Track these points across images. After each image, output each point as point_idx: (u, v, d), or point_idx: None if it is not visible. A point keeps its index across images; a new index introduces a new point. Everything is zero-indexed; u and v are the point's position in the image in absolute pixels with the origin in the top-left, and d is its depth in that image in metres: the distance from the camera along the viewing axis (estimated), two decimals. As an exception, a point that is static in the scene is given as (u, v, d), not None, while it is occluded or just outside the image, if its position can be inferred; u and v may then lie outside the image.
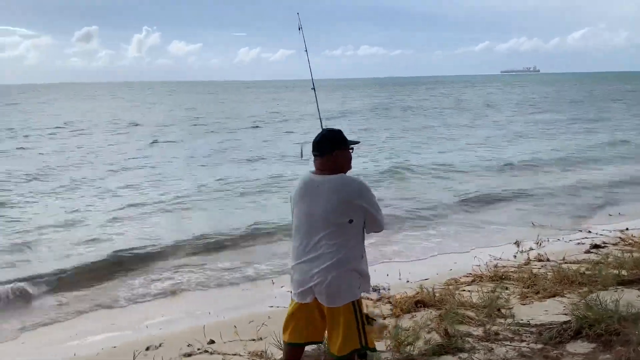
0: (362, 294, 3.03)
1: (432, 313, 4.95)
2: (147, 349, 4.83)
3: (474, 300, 5.15)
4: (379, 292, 6.00)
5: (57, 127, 30.46)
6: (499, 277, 6.03)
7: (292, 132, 27.28)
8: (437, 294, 5.36)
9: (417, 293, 5.47)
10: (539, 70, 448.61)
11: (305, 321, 3.06)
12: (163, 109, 49.41)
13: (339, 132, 3.10)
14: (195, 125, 32.27)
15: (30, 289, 6.77)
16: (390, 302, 5.47)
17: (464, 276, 6.34)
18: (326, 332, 3.06)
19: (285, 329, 3.11)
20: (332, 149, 3.03)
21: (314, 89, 3.88)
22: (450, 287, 5.86)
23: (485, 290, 5.49)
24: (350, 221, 2.93)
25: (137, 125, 32.23)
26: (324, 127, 3.18)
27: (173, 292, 6.77)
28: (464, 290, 5.68)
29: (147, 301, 6.55)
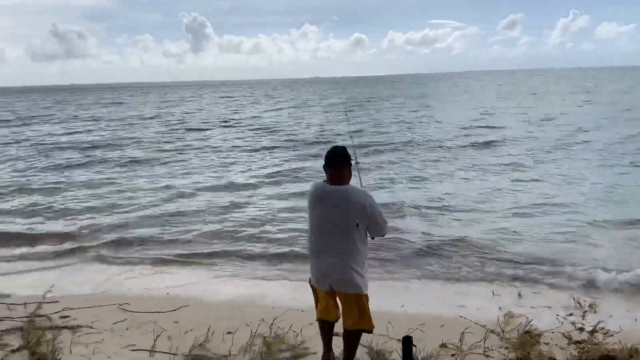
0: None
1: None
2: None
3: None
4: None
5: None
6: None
7: None
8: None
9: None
10: None
11: (327, 304, 3.82)
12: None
13: (346, 149, 3.71)
14: None
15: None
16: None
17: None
18: (341, 312, 3.81)
19: (316, 308, 3.94)
20: (345, 164, 3.65)
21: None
22: None
23: None
24: (357, 225, 3.54)
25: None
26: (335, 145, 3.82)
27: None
28: None
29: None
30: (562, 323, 5.21)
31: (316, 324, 4.12)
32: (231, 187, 13.17)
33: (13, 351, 4.45)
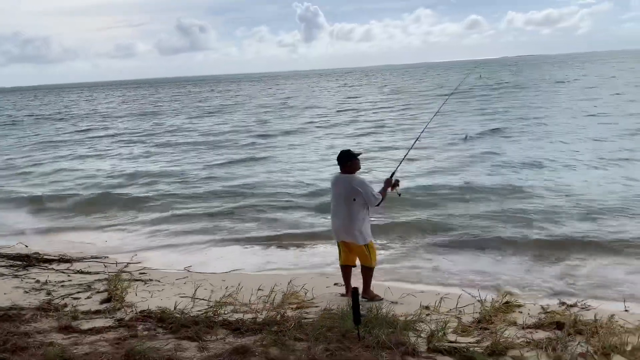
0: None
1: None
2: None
3: None
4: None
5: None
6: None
7: None
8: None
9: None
10: None
11: (344, 254, 5.80)
12: None
13: (350, 151, 5.70)
14: None
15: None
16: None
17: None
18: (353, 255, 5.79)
19: (339, 257, 5.89)
20: (348, 161, 5.62)
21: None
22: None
23: None
24: (354, 199, 5.50)
25: None
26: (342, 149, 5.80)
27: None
28: None
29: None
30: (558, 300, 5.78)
31: (330, 288, 6.03)
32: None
33: (98, 292, 5.99)
